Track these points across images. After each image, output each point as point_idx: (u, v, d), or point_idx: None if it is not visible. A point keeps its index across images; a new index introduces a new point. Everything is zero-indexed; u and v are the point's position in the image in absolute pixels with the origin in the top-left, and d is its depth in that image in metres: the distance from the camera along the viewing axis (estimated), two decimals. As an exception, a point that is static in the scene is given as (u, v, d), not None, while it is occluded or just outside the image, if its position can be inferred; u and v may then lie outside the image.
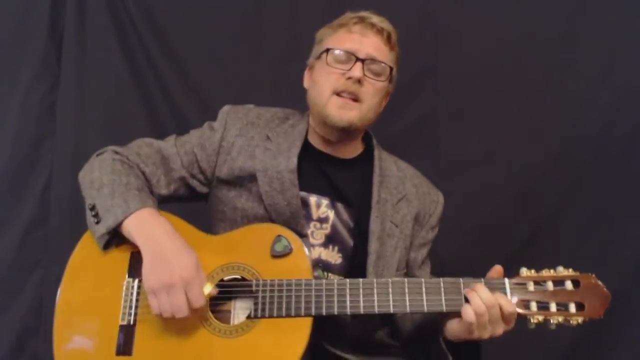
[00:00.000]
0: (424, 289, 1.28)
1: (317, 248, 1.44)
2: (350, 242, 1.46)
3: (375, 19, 1.51)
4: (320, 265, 1.41)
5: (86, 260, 1.40)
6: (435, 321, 1.36)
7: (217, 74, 2.26)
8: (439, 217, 1.61)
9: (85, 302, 1.36)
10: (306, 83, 1.57)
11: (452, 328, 1.30)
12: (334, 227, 1.46)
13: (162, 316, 1.26)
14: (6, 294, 2.23)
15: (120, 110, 2.31)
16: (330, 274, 1.43)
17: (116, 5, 2.30)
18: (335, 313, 1.28)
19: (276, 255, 1.33)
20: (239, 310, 1.33)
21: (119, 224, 1.32)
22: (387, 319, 1.54)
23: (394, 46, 1.54)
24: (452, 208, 2.15)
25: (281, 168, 1.45)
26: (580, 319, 1.25)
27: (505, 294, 1.27)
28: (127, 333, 1.31)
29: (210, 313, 1.31)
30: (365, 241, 1.45)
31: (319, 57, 1.51)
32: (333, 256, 1.45)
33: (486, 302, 1.23)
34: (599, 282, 1.27)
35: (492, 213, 2.18)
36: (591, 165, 2.14)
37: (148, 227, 1.31)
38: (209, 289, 1.28)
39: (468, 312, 1.23)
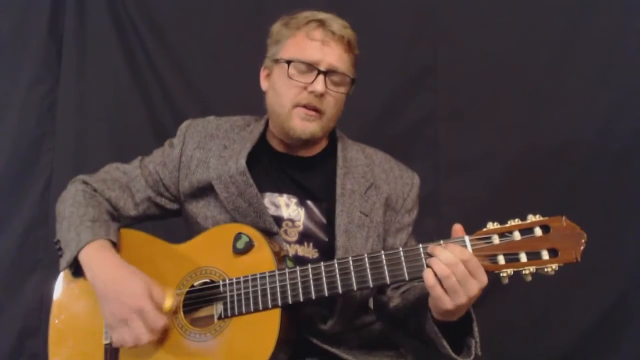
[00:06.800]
0: (384, 261, 1.24)
1: (292, 245, 1.44)
2: (323, 237, 1.46)
3: (336, 26, 1.45)
4: (288, 257, 1.39)
5: (70, 285, 1.45)
6: (422, 306, 1.30)
7: (217, 74, 2.26)
8: (415, 199, 1.57)
9: (73, 325, 1.42)
10: (264, 85, 1.54)
11: (431, 304, 1.23)
12: (305, 225, 1.46)
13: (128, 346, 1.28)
14: (6, 294, 2.24)
15: (120, 111, 2.32)
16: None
17: (116, 5, 2.31)
18: (302, 300, 1.27)
19: (239, 253, 1.33)
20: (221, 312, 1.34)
21: (75, 258, 1.36)
22: (364, 307, 1.53)
23: (354, 49, 1.50)
24: (452, 208, 2.17)
25: (232, 172, 1.45)
26: (555, 266, 1.15)
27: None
28: (111, 351, 1.35)
29: (185, 320, 1.33)
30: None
31: (277, 62, 1.48)
32: (309, 252, 1.45)
33: (446, 262, 1.15)
34: (571, 223, 1.16)
35: (492, 213, 2.17)
36: (591, 165, 2.14)
37: (95, 262, 1.35)
38: (169, 303, 1.30)
39: (428, 276, 1.17)
